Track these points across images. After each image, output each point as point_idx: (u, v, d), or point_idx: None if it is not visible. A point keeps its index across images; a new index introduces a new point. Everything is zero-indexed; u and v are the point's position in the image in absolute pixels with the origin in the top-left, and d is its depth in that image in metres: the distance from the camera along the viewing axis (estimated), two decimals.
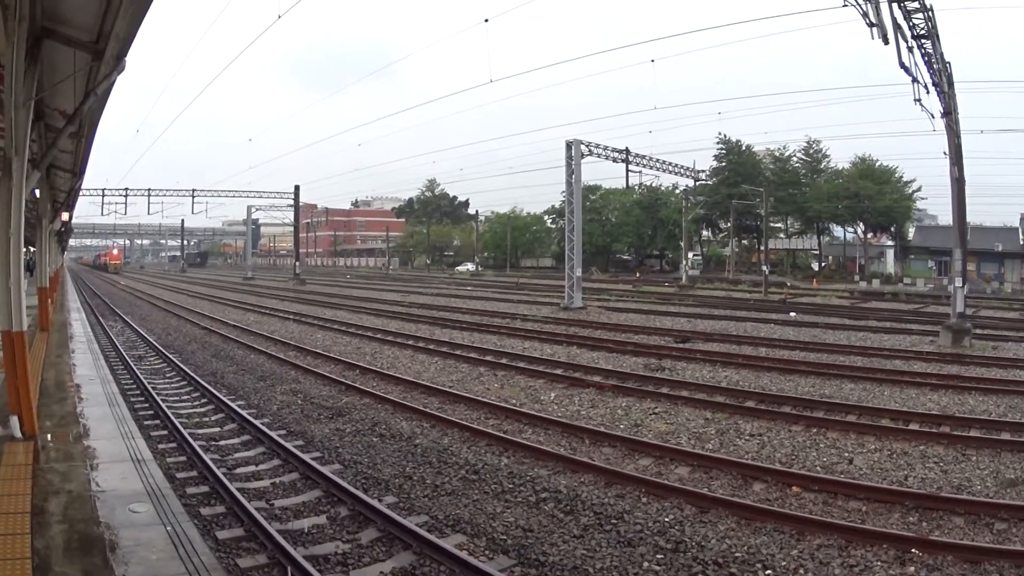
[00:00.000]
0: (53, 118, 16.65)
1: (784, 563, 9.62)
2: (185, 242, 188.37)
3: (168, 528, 8.52)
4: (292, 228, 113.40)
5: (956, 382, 21.47)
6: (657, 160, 71.52)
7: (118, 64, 11.88)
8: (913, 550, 9.84)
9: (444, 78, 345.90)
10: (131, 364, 24.33)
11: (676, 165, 78.63)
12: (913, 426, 16.49)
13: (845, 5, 26.18)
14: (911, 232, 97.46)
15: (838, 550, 9.97)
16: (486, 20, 41.97)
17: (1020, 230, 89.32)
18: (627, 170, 62.33)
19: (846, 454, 14.76)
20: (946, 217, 65.78)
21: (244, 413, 17.52)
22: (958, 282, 32.21)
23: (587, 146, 54.04)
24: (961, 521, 11.08)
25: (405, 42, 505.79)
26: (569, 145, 51.70)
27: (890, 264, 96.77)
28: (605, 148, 57.88)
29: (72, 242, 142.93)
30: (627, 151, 61.40)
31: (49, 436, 12.25)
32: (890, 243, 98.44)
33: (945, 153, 32.47)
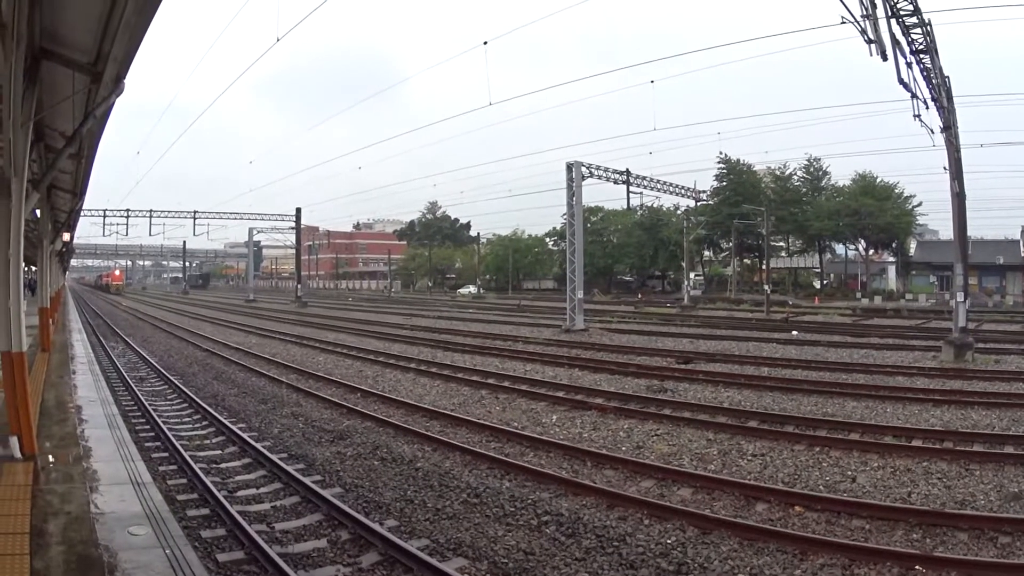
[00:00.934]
0: (53, 139, 16.68)
1: None
2: (187, 264, 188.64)
3: (167, 551, 8.46)
4: (294, 250, 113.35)
5: (959, 397, 21.44)
6: (658, 181, 71.74)
7: (117, 86, 11.90)
8: (917, 567, 9.81)
9: (444, 101, 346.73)
10: (132, 386, 24.34)
11: (677, 185, 78.92)
12: (916, 442, 16.44)
13: (843, 22, 26.23)
14: (912, 248, 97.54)
15: (841, 569, 9.94)
16: (485, 43, 42.04)
17: (1021, 242, 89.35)
18: (628, 191, 62.53)
19: (849, 472, 14.70)
20: (947, 232, 65.90)
21: (245, 436, 17.50)
22: (960, 297, 32.23)
23: (588, 168, 54.10)
24: (965, 536, 11.05)
25: (404, 65, 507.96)
26: (570, 167, 51.73)
27: (892, 280, 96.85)
28: (606, 170, 57.98)
29: (74, 262, 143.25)
30: (628, 172, 61.60)
31: (49, 457, 12.19)
32: (892, 259, 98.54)
33: (945, 168, 32.53)
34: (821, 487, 13.89)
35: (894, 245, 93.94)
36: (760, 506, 12.79)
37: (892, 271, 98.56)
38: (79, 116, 14.05)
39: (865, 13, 26.08)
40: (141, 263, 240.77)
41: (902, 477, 14.28)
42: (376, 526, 11.28)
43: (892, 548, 10.50)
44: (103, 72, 11.44)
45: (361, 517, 11.71)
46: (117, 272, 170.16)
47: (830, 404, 21.41)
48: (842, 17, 26.19)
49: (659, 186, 72.76)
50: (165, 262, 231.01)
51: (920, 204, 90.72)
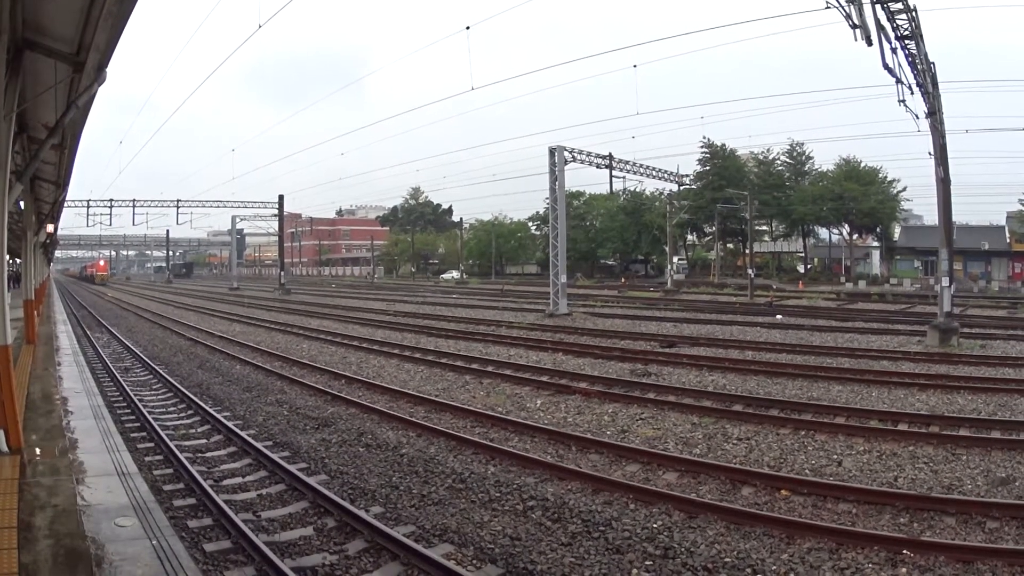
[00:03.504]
0: (36, 130, 16.60)
1: (774, 567, 9.60)
2: (170, 253, 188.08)
3: (154, 542, 8.43)
4: (277, 238, 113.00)
5: (945, 382, 21.48)
6: (641, 165, 71.59)
7: (99, 75, 11.85)
8: (904, 551, 9.83)
9: (426, 86, 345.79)
10: (117, 376, 24.25)
11: (660, 170, 78.71)
12: (902, 427, 16.49)
13: (828, 7, 26.26)
14: (897, 233, 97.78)
15: (829, 553, 9.96)
16: (467, 27, 41.99)
17: (1006, 228, 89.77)
18: (611, 175, 62.43)
19: (835, 456, 14.74)
20: (932, 217, 66.13)
21: (230, 424, 17.46)
22: (945, 281, 32.27)
23: (570, 152, 53.96)
24: (952, 521, 11.08)
25: (387, 52, 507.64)
26: (552, 152, 51.58)
27: (876, 265, 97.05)
28: (588, 154, 57.84)
29: (58, 253, 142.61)
30: (610, 157, 61.47)
31: (36, 450, 12.15)
32: (876, 244, 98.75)
33: (930, 153, 32.54)
34: (807, 471, 13.92)
35: (878, 230, 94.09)
36: (746, 490, 12.82)
37: (876, 256, 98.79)
38: (62, 106, 13.99)
39: None
40: (125, 253, 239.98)
41: (888, 461, 14.32)
42: (362, 513, 11.28)
43: (879, 532, 10.54)
44: (85, 61, 11.40)
45: (347, 504, 11.71)
46: (102, 262, 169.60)
47: (815, 388, 21.49)
48: (827, 2, 26.23)
49: (642, 170, 72.61)
50: (149, 251, 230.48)
51: (904, 189, 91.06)
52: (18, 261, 45.39)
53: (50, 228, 39.05)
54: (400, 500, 12.55)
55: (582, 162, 57.43)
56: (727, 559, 9.87)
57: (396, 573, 9.53)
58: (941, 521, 11.10)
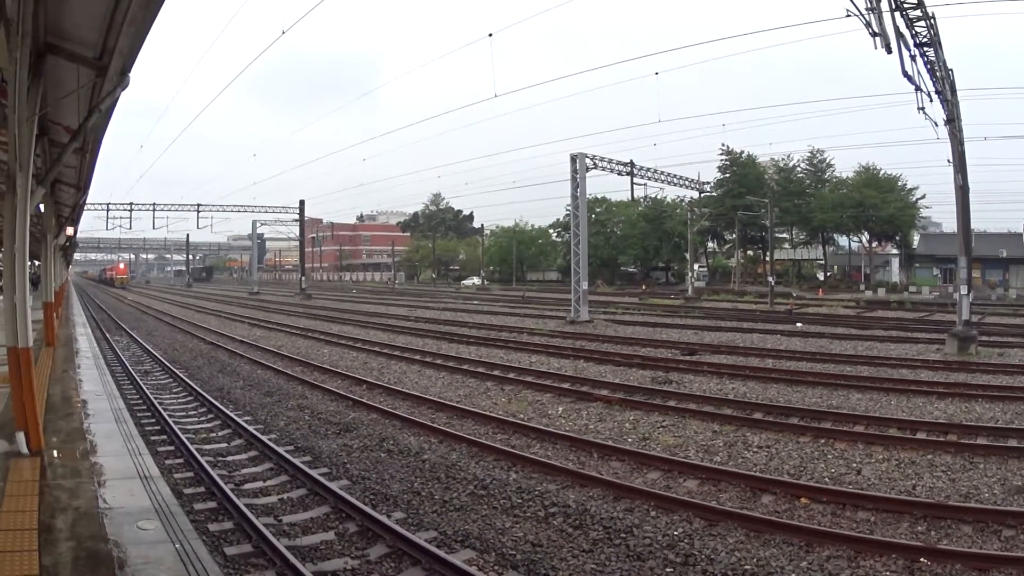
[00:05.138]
0: (57, 133, 16.63)
1: (794, 575, 9.60)
2: (191, 257, 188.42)
3: (177, 545, 8.46)
4: (297, 243, 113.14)
5: (963, 390, 21.45)
6: (662, 172, 71.41)
7: (122, 80, 11.88)
8: (922, 559, 9.84)
9: (446, 93, 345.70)
10: (137, 379, 24.31)
11: (681, 177, 78.51)
12: (920, 435, 16.47)
13: (848, 16, 26.19)
14: (916, 240, 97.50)
15: (847, 561, 9.96)
16: (490, 35, 42.08)
17: None
18: (632, 183, 62.21)
19: (854, 465, 14.71)
20: (951, 224, 65.90)
21: (251, 429, 17.52)
22: (963, 289, 32.16)
23: (592, 159, 53.80)
24: (969, 529, 11.09)
25: (399, 58, 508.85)
26: (574, 159, 51.46)
27: (895, 273, 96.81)
28: (610, 161, 57.65)
29: (77, 256, 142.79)
30: (632, 164, 61.24)
31: (56, 452, 12.19)
32: (895, 252, 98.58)
33: (949, 161, 32.46)
34: (826, 479, 13.91)
35: (897, 237, 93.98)
36: (766, 498, 12.82)
37: (895, 263, 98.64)
38: (84, 110, 14.02)
39: (870, 6, 26.03)
40: (144, 257, 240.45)
41: (907, 469, 14.30)
42: (384, 518, 11.29)
43: (897, 540, 10.54)
44: (108, 66, 11.43)
45: (368, 509, 11.72)
46: (121, 265, 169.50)
47: (835, 396, 21.43)
48: (847, 10, 26.15)
49: (663, 177, 72.46)
50: (169, 255, 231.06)
51: (923, 197, 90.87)
52: (37, 264, 45.53)
53: (70, 231, 39.24)
54: (422, 506, 12.58)
55: (604, 169, 57.27)
56: (747, 567, 9.87)
57: None
58: (958, 529, 11.11)
